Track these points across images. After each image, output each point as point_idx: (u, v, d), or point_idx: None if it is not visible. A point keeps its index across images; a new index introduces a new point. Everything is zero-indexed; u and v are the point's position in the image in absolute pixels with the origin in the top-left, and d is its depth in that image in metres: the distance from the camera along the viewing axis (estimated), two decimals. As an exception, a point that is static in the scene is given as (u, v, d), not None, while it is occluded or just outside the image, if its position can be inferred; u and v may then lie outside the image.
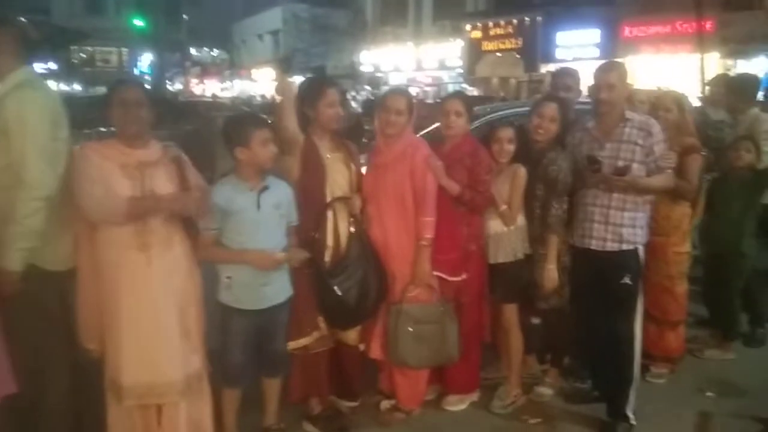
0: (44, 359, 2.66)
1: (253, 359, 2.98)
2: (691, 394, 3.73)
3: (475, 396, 3.57)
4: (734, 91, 4.74)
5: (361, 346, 3.34)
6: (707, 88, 7.88)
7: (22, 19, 2.97)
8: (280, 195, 2.95)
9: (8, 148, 2.47)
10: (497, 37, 20.85)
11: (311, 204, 3.09)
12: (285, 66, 3.43)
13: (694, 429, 3.41)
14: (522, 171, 3.35)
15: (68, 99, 4.08)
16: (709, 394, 3.72)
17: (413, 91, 20.14)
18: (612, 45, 16.59)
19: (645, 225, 3.28)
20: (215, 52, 43.34)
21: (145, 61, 28.37)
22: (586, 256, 3.28)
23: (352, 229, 3.19)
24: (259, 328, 2.94)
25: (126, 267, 2.58)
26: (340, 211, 3.17)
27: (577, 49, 17.79)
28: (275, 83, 3.28)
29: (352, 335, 3.29)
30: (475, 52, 21.71)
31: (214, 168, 3.44)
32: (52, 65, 25.34)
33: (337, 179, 3.17)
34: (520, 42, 19.95)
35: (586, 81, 3.66)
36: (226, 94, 33.18)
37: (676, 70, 14.40)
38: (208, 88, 38.21)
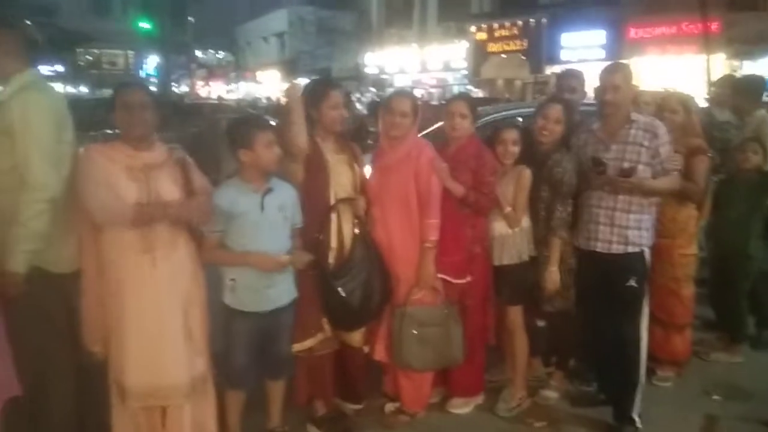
0: (48, 361, 2.66)
1: (257, 361, 2.97)
2: (698, 397, 3.71)
3: (479, 399, 3.56)
4: (740, 93, 4.73)
5: (366, 349, 3.34)
6: (713, 89, 7.84)
7: (27, 21, 2.98)
8: (284, 197, 2.95)
9: (13, 150, 2.48)
10: (502, 38, 20.83)
11: (315, 206, 3.08)
12: (296, 86, 3.32)
13: (700, 432, 3.39)
14: (527, 172, 3.34)
15: (74, 101, 4.11)
16: (715, 397, 3.70)
17: (418, 92, 20.24)
18: (617, 46, 16.54)
19: (651, 227, 3.26)
20: (221, 55, 43.42)
21: (152, 63, 28.57)
22: (592, 258, 3.26)
23: (357, 231, 3.18)
24: (263, 331, 2.93)
25: (130, 269, 2.58)
26: (344, 212, 3.16)
27: (582, 50, 17.77)
28: (283, 92, 3.24)
29: (356, 337, 3.28)
30: (480, 54, 21.66)
31: (219, 170, 3.44)
32: (59, 68, 25.43)
33: (341, 181, 3.16)
34: (525, 43, 19.95)
35: (592, 82, 3.64)
36: (232, 97, 33.28)
37: (681, 71, 14.32)
38: (213, 90, 38.38)
